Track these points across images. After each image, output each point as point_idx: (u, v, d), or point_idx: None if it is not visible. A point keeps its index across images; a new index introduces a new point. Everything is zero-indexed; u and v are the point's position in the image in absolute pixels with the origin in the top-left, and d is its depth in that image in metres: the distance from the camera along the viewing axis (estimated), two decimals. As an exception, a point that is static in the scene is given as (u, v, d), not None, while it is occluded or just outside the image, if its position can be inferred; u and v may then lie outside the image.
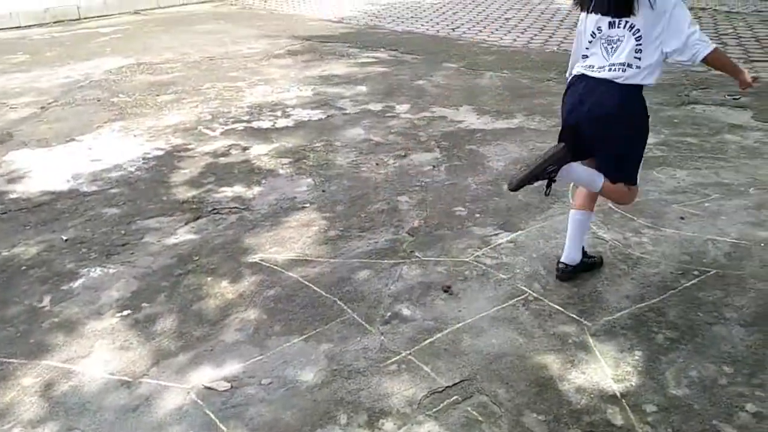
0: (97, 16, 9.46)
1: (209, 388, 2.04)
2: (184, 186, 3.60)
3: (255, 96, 5.26)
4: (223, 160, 3.96)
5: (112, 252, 2.91)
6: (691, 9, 8.01)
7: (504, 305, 2.41)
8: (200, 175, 3.74)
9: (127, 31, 8.33)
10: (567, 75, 2.47)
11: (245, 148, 4.13)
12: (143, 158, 4.00)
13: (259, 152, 4.06)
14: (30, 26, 8.79)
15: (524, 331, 2.26)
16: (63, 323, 2.39)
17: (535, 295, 2.46)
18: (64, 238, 3.02)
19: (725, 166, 3.52)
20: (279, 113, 4.80)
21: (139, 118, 4.77)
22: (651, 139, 3.90)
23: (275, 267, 2.75)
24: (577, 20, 2.39)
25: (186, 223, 3.17)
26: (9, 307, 2.51)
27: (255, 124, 4.57)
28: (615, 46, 2.23)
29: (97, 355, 2.22)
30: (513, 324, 2.30)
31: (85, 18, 9.33)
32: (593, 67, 2.29)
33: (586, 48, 2.32)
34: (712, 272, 2.53)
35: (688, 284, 2.46)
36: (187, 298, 2.55)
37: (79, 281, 2.66)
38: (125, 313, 2.46)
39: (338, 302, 2.48)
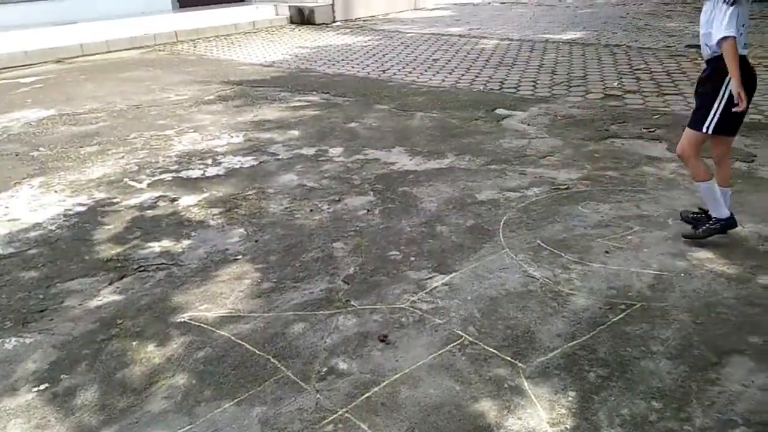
0: (18, 66, 9.12)
1: (133, 466, 1.91)
2: (108, 243, 3.45)
3: (184, 144, 5.15)
4: (150, 213, 3.83)
5: (29, 319, 2.73)
6: (606, 46, 8.52)
7: (440, 351, 2.40)
8: (125, 231, 3.60)
9: (48, 80, 8.05)
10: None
11: (174, 200, 4.02)
12: (64, 215, 3.82)
13: (189, 203, 3.96)
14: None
15: (461, 378, 2.25)
16: (-30, 405, 2.21)
17: (470, 339, 2.47)
18: (-26, 308, 2.82)
19: (645, 198, 3.69)
20: (209, 161, 4.72)
21: (61, 172, 4.57)
22: (573, 174, 4.10)
23: (205, 326, 2.65)
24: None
25: (110, 284, 3.02)
26: None
27: (184, 174, 4.46)
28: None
29: (9, 439, 2.05)
30: (450, 371, 2.29)
31: (4, 68, 8.97)
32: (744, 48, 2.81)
33: (740, 33, 2.72)
34: (637, 305, 2.62)
35: (615, 319, 2.53)
36: (111, 365, 2.41)
37: (-10, 355, 2.48)
38: (42, 387, 2.30)
39: (272, 360, 2.41)
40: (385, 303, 2.76)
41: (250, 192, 4.11)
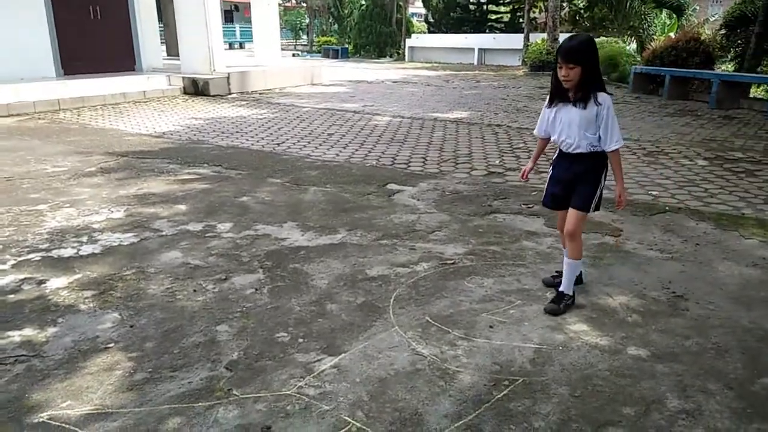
0: None
1: None
2: (-44, 334, 3.06)
3: (58, 220, 4.81)
4: (11, 297, 3.48)
5: None
6: (489, 125, 9.13)
7: (327, 441, 2.30)
8: (-20, 319, 3.22)
9: None
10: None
11: (41, 282, 3.69)
12: None
13: (58, 285, 3.64)
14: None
15: (347, 468, 2.16)
16: None
17: (358, 425, 2.39)
18: None
19: (524, 272, 3.88)
20: (85, 239, 4.42)
21: None
22: (460, 249, 4.25)
23: (66, 426, 2.38)
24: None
25: (-46, 382, 2.66)
26: None
27: (55, 253, 4.13)
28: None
29: None
30: (336, 462, 2.19)
31: None
32: None
33: None
34: (519, 381, 2.69)
35: (500, 395, 2.57)
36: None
37: None
38: None
39: (142, 462, 2.19)
40: (270, 390, 2.63)
41: (127, 272, 3.86)
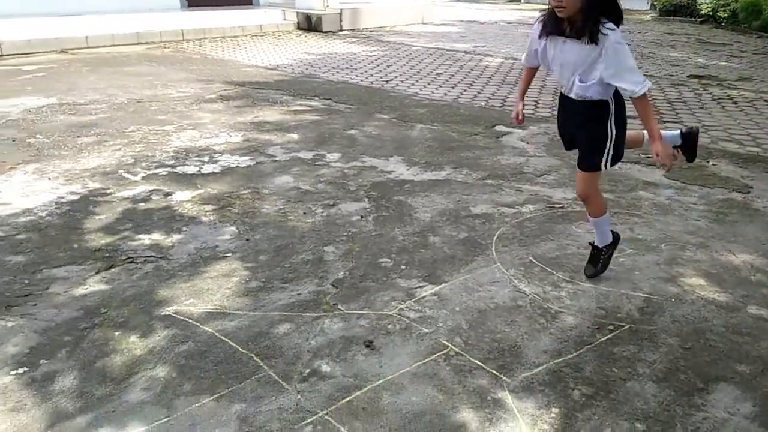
0: (21, 54, 9.11)
1: (106, 456, 1.88)
2: (98, 233, 3.42)
3: (182, 140, 5.14)
4: (142, 206, 3.81)
5: (13, 303, 2.70)
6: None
7: (425, 360, 2.38)
8: (116, 222, 3.57)
9: (51, 69, 8.04)
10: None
11: (167, 194, 4.00)
12: (56, 203, 3.79)
13: (182, 198, 3.94)
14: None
15: (444, 387, 2.23)
16: (-56, 385, 2.17)
17: (456, 349, 2.44)
18: (-43, 288, 2.78)
19: (639, 222, 3.70)
20: (206, 159, 4.70)
21: (56, 160, 4.55)
22: (569, 194, 4.10)
23: (190, 320, 2.62)
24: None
25: (97, 273, 2.99)
26: None
27: (180, 170, 4.45)
28: None
29: (-19, 421, 2.02)
30: (433, 380, 2.26)
31: (7, 55, 8.97)
32: None
33: None
34: (626, 327, 2.61)
35: (603, 339, 2.52)
36: (91, 354, 2.37)
37: (-30, 337, 2.44)
38: (21, 370, 2.26)
39: (255, 358, 2.38)
40: (372, 309, 2.74)
41: (244, 191, 4.09)
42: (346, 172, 4.49)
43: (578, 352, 2.43)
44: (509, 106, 6.65)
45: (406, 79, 8.08)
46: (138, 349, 2.42)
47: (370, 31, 13.22)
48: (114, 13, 10.72)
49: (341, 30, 13.01)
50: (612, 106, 2.57)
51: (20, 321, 2.57)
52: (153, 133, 5.30)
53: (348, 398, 2.16)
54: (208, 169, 4.50)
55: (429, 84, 7.82)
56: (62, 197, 3.88)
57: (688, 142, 2.93)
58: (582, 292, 2.88)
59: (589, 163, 2.70)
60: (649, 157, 4.93)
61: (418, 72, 8.65)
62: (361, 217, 3.73)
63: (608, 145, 2.62)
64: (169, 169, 4.45)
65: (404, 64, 9.21)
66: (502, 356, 2.40)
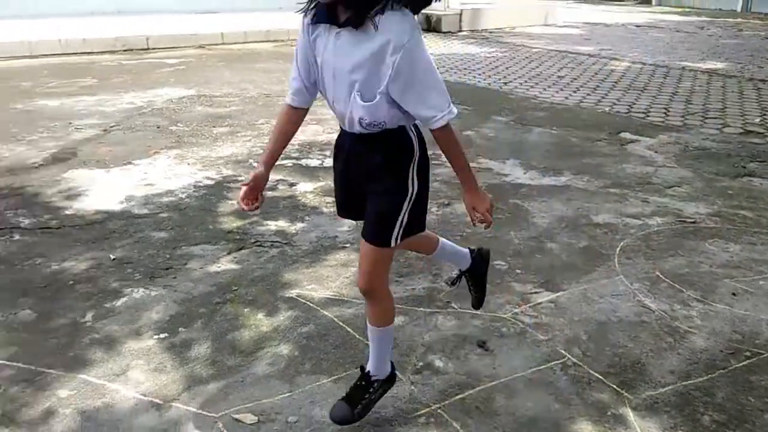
0: (165, 48, 9.94)
1: (237, 420, 2.03)
2: (230, 216, 3.68)
3: (306, 134, 5.38)
4: (269, 194, 4.04)
5: (156, 275, 2.97)
6: (750, 80, 7.89)
7: (541, 367, 2.34)
8: (247, 207, 3.81)
9: (190, 63, 8.71)
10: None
11: (292, 184, 4.21)
12: (194, 186, 4.12)
13: (305, 189, 4.13)
14: (101, 53, 9.30)
15: (561, 397, 2.18)
16: (103, 340, 2.44)
17: (574, 360, 2.38)
18: (112, 257, 3.11)
19: (782, 243, 3.39)
20: (327, 153, 4.89)
21: (194, 147, 4.93)
22: (702, 209, 3.84)
23: (311, 304, 2.75)
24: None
25: (229, 253, 3.22)
26: (53, 319, 2.58)
27: (303, 162, 4.67)
28: None
29: (132, 375, 2.25)
30: (549, 388, 2.22)
31: (153, 48, 9.82)
32: None
33: None
34: (765, 355, 2.41)
35: (738, 365, 2.34)
36: (223, 327, 2.57)
37: (122, 300, 2.73)
38: (162, 336, 2.49)
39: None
40: (486, 310, 2.73)
41: (363, 185, 4.21)
42: (462, 173, 4.49)
43: (709, 376, 2.28)
44: (636, 112, 6.33)
45: (525, 81, 7.92)
46: (264, 326, 2.58)
47: (490, 32, 13.07)
48: (247, 11, 11.41)
49: (460, 30, 12.98)
50: (416, 144, 1.76)
51: (162, 291, 2.83)
52: (279, 126, 5.59)
53: (461, 395, 2.18)
54: (329, 162, 4.68)
55: (549, 87, 7.62)
56: (199, 181, 4.21)
57: (479, 268, 2.27)
58: (715, 314, 2.70)
59: (377, 233, 1.79)
60: None
61: (539, 74, 8.44)
62: (477, 218, 3.72)
63: (405, 206, 1.76)
64: (293, 160, 4.69)
65: (524, 66, 9.02)
66: (624, 372, 2.31)
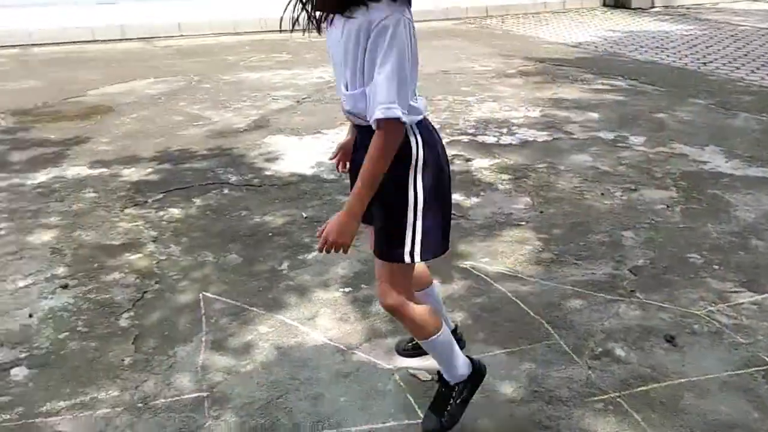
0: (350, 26, 10.45)
1: (413, 375, 2.13)
2: (408, 186, 3.80)
3: (483, 111, 5.36)
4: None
5: (340, 234, 3.19)
6: None
7: (739, 372, 2.13)
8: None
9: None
10: (404, 110, 1.45)
11: (468, 160, 4.24)
12: (375, 155, 4.31)
13: (481, 165, 4.13)
14: (294, 31, 10.03)
15: (761, 405, 1.97)
16: (296, 287, 2.70)
17: (780, 368, 2.14)
18: (305, 215, 3.40)
19: None
20: (504, 130, 4.84)
21: (376, 119, 5.15)
22: None
23: (485, 277, 2.77)
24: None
25: (406, 221, 3.34)
26: (255, 264, 2.90)
27: (480, 138, 4.66)
28: None
29: (320, 321, 2.46)
30: (748, 395, 2.02)
31: (339, 27, 10.38)
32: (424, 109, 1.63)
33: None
34: None
35: None
36: (401, 289, 2.69)
37: (313, 254, 2.97)
38: (347, 289, 2.68)
39: (545, 325, 2.42)
40: (675, 304, 2.54)
41: (540, 165, 4.11)
42: (651, 157, 4.18)
43: None
44: None
45: (730, 62, 7.08)
46: (440, 292, 2.66)
47: (687, 9, 11.84)
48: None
49: (653, 7, 11.91)
50: (416, 146, 1.55)
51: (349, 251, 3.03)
52: (457, 103, 5.63)
53: (644, 387, 2.07)
54: (506, 140, 4.63)
55: (759, 69, 6.74)
56: (380, 152, 4.40)
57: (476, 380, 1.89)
58: None
59: (384, 248, 1.65)
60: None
61: (745, 55, 7.50)
62: (667, 206, 3.45)
63: (410, 216, 1.57)
64: (470, 137, 4.70)
65: (727, 46, 8.07)
66: None
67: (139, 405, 2.02)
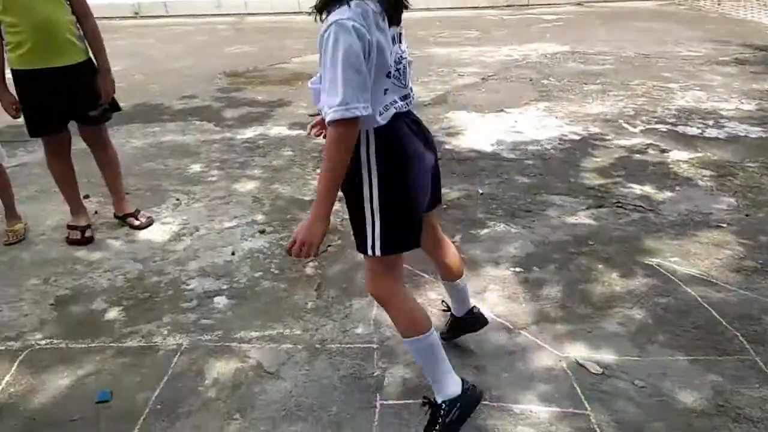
0: (544, 4, 10.08)
1: (581, 366, 2.06)
2: (592, 173, 3.62)
3: (686, 100, 4.88)
4: (637, 156, 3.83)
5: (516, 215, 3.15)
6: None
7: None
8: (611, 167, 3.70)
9: (568, 20, 8.66)
10: (357, 111, 1.41)
11: (663, 150, 3.91)
12: (560, 139, 4.16)
13: (679, 158, 3.79)
14: (486, 8, 9.93)
15: None
16: (466, 260, 2.70)
17: None
18: (480, 191, 3.40)
19: None
20: (710, 122, 4.36)
21: (563, 102, 4.95)
22: None
23: (672, 277, 2.56)
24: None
25: (587, 208, 3.20)
26: (429, 233, 2.98)
27: (680, 129, 4.26)
28: (403, 66, 1.58)
29: (488, 296, 2.47)
30: None
31: (532, 4, 10.06)
32: (402, 101, 1.59)
33: (388, 75, 1.52)
34: None
35: None
36: (576, 276, 2.60)
37: (485, 230, 2.98)
38: (518, 269, 2.66)
39: (739, 338, 2.18)
40: None
41: (750, 164, 3.65)
42: None
43: None
44: None
45: None
46: (618, 286, 2.52)
47: None
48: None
49: None
50: (366, 145, 1.53)
51: (521, 230, 2.99)
52: (656, 89, 5.19)
53: None
54: (711, 133, 4.18)
55: None
56: (565, 135, 4.23)
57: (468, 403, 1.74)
58: None
59: (355, 239, 1.67)
60: None
61: None
62: None
63: (368, 211, 1.58)
64: (669, 126, 4.32)
65: None
66: None
67: (317, 346, 2.21)
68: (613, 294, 2.47)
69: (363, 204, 1.58)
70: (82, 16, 2.81)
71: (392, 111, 1.54)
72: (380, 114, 1.51)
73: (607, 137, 4.16)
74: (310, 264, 2.73)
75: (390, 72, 1.51)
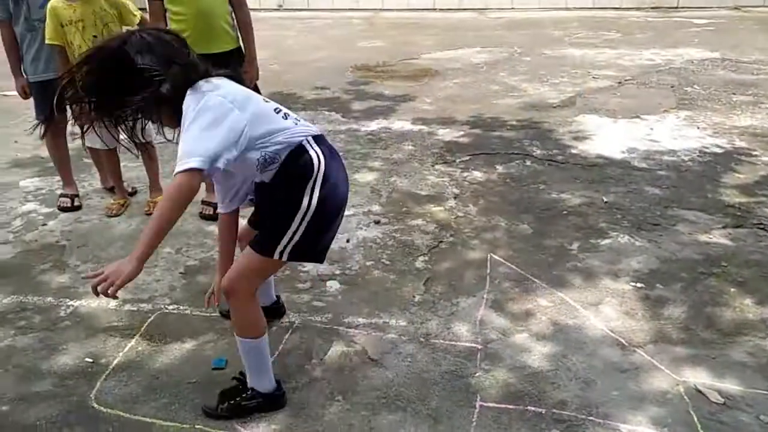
0: (694, 7, 9.35)
1: (701, 392, 1.92)
2: (733, 190, 3.33)
3: None
4: (784, 174, 3.46)
5: (643, 227, 2.97)
6: None
7: None
8: (755, 185, 3.38)
9: (720, 25, 7.97)
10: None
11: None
12: (700, 151, 3.86)
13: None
14: (629, 9, 9.39)
15: None
16: (583, 269, 2.63)
17: None
18: (605, 200, 3.25)
19: None
20: None
21: (707, 111, 4.58)
22: None
23: (817, 312, 2.29)
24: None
25: (724, 227, 2.95)
26: (545, 238, 2.90)
27: None
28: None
29: (604, 309, 2.36)
30: None
31: (682, 7, 9.36)
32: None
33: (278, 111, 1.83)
34: None
35: None
36: (704, 298, 2.41)
37: (606, 241, 2.85)
38: (638, 285, 2.51)
39: None
40: None
41: None
42: None
43: None
44: None
45: None
46: (751, 313, 2.30)
47: None
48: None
49: None
50: (319, 157, 1.76)
51: (647, 244, 2.82)
52: (821, 103, 4.64)
53: None
54: None
55: None
56: (706, 147, 3.91)
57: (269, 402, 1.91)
58: None
59: (259, 240, 1.80)
60: None
61: None
62: None
63: (296, 220, 1.72)
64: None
65: None
66: None
67: (421, 339, 2.24)
68: (744, 321, 2.26)
69: (296, 213, 1.69)
70: (238, 6, 3.04)
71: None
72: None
73: (755, 152, 3.79)
74: (420, 258, 2.77)
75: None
